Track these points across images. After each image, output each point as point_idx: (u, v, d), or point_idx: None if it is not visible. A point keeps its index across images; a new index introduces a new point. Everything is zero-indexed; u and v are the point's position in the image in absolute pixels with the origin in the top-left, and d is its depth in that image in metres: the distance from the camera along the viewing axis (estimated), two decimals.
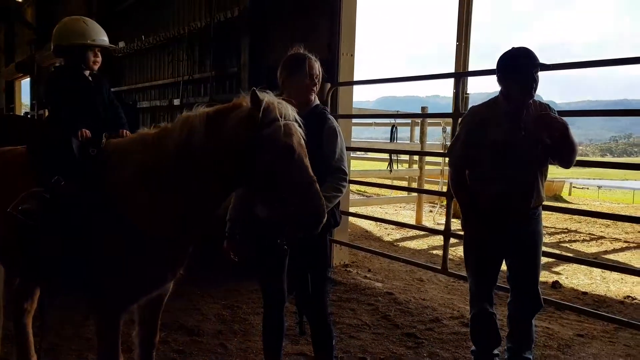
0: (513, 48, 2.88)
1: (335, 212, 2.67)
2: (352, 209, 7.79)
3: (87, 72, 2.78)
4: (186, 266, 2.50)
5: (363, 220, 8.20)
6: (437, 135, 10.28)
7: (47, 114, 2.89)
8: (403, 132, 12.00)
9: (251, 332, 3.85)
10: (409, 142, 11.33)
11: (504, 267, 3.07)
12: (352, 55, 5.61)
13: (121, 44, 10.20)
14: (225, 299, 4.60)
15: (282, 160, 2.04)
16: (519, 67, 2.82)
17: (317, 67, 2.66)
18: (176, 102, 8.36)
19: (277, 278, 2.74)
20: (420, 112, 9.06)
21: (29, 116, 15.21)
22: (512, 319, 3.09)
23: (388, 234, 8.10)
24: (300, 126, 2.15)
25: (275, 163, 2.04)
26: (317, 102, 2.72)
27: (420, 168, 9.79)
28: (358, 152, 11.65)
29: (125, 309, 2.36)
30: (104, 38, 2.77)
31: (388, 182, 9.76)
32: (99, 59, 2.80)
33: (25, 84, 18.53)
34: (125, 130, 2.84)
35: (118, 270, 2.24)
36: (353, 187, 11.38)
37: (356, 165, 12.28)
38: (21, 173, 2.44)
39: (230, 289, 4.88)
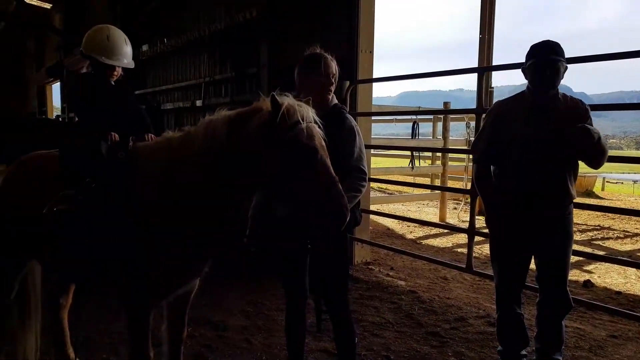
0: (541, 41, 2.84)
1: (355, 211, 2.67)
2: (373, 207, 7.78)
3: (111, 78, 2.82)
4: (211, 264, 2.56)
5: (385, 217, 8.17)
6: (461, 130, 10.15)
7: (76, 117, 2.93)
8: (426, 128, 11.91)
9: (275, 328, 3.89)
10: (431, 138, 11.24)
11: (533, 265, 3.01)
12: (371, 52, 5.58)
13: (144, 47, 10.37)
14: (248, 295, 4.65)
15: (306, 163, 2.07)
16: (541, 60, 2.77)
17: (334, 66, 2.67)
18: (199, 103, 8.47)
19: (298, 276, 2.76)
20: (442, 109, 8.97)
21: (60, 119, 15.66)
22: (541, 319, 3.02)
23: (411, 232, 8.06)
24: (320, 127, 2.18)
25: (299, 165, 2.07)
26: (335, 101, 2.73)
27: (444, 165, 9.70)
28: (380, 150, 11.61)
29: (154, 305, 2.43)
30: (121, 57, 2.78)
31: (410, 179, 9.69)
32: (116, 72, 2.85)
33: (55, 88, 19.05)
34: (150, 134, 2.90)
35: (145, 270, 2.30)
36: (374, 184, 11.37)
37: (377, 163, 12.23)
38: (53, 177, 2.54)
39: (253, 285, 4.94)
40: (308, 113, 2.13)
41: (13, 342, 3.01)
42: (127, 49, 2.84)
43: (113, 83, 2.85)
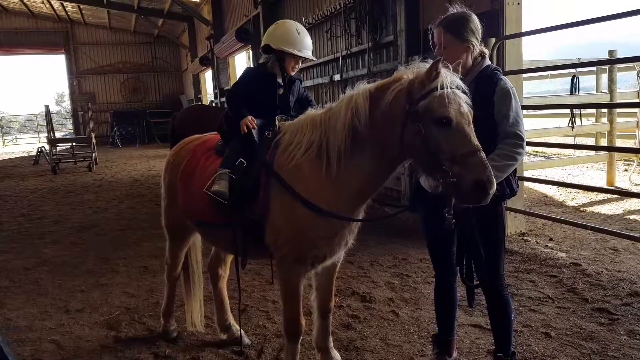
0: None
1: (510, 180, 2.49)
2: (527, 173, 7.17)
3: (280, 80, 2.84)
4: (356, 236, 2.60)
5: (542, 184, 7.50)
6: (631, 81, 8.81)
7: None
8: (587, 82, 10.58)
9: (422, 301, 3.83)
10: (594, 92, 9.94)
11: None
12: (519, 4, 5.06)
13: None
14: (394, 267, 4.64)
15: (439, 131, 2.02)
16: None
17: (477, 24, 2.48)
18: (336, 77, 8.55)
19: (445, 248, 2.68)
20: (606, 58, 7.84)
21: (213, 104, 17.17)
22: None
23: (572, 199, 7.29)
24: (465, 93, 2.10)
25: (433, 134, 2.03)
26: (487, 62, 2.54)
27: (611, 122, 8.50)
28: (533, 110, 10.59)
29: (304, 273, 2.53)
30: (308, 52, 2.85)
31: (570, 140, 8.71)
32: (298, 66, 2.92)
33: (208, 75, 20.82)
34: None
35: (294, 240, 2.41)
36: (528, 148, 10.45)
37: (531, 124, 11.21)
38: (215, 157, 2.79)
39: (398, 257, 4.93)
40: (446, 80, 2.04)
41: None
42: (310, 49, 2.89)
43: (281, 82, 2.85)
